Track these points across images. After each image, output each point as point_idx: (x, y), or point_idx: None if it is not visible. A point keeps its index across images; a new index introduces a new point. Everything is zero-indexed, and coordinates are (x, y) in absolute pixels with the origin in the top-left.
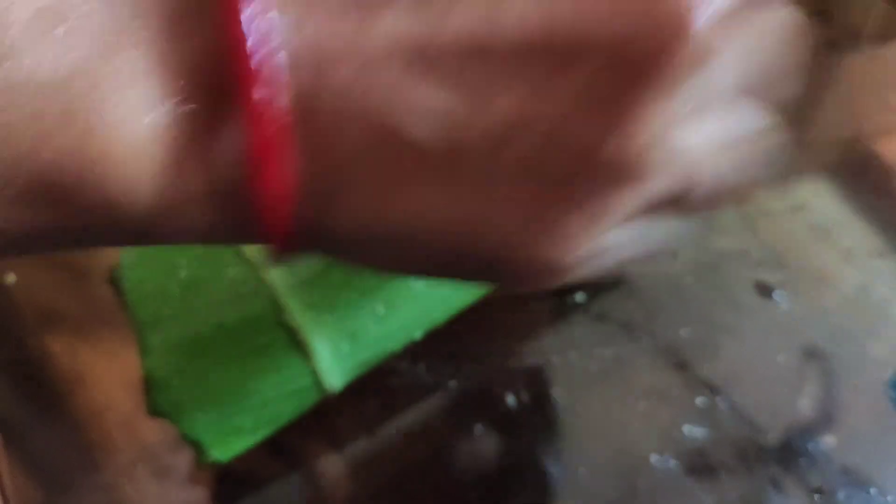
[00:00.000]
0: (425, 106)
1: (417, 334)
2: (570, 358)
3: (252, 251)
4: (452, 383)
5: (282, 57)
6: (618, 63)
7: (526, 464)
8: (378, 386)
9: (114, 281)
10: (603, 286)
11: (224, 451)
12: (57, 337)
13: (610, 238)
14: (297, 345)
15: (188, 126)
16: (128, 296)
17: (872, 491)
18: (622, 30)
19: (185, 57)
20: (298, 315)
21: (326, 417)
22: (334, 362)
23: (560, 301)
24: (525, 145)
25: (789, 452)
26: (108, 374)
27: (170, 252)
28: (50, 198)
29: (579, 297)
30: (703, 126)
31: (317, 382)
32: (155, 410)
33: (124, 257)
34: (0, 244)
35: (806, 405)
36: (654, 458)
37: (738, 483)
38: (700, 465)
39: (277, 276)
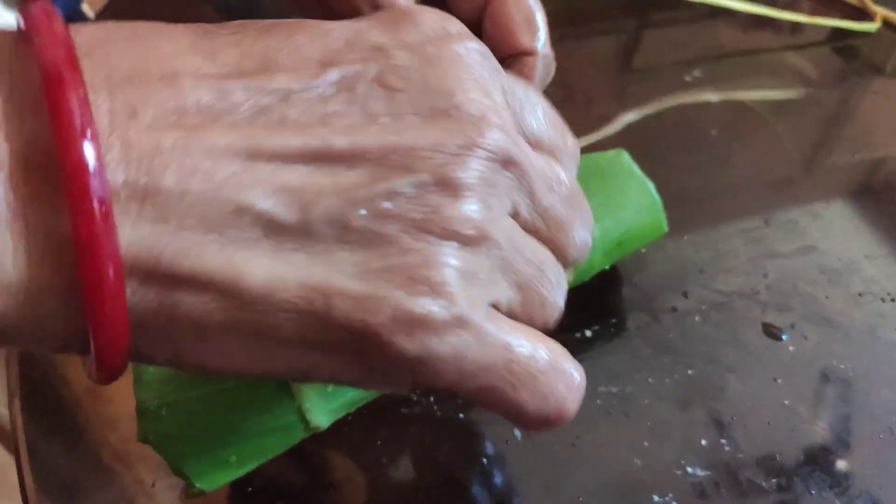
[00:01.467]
0: (263, 191)
1: None
2: None
3: None
4: (461, 416)
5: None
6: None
7: (529, 498)
8: (389, 414)
9: None
10: (611, 322)
11: (209, 482)
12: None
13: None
14: (284, 384)
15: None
16: None
17: None
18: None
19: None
20: None
21: (338, 439)
22: (320, 402)
23: (567, 336)
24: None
25: (792, 497)
26: (123, 388)
27: None
28: None
29: (588, 332)
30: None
31: (303, 420)
32: (145, 439)
33: None
34: None
35: (811, 448)
36: (656, 498)
37: None
38: None
39: None
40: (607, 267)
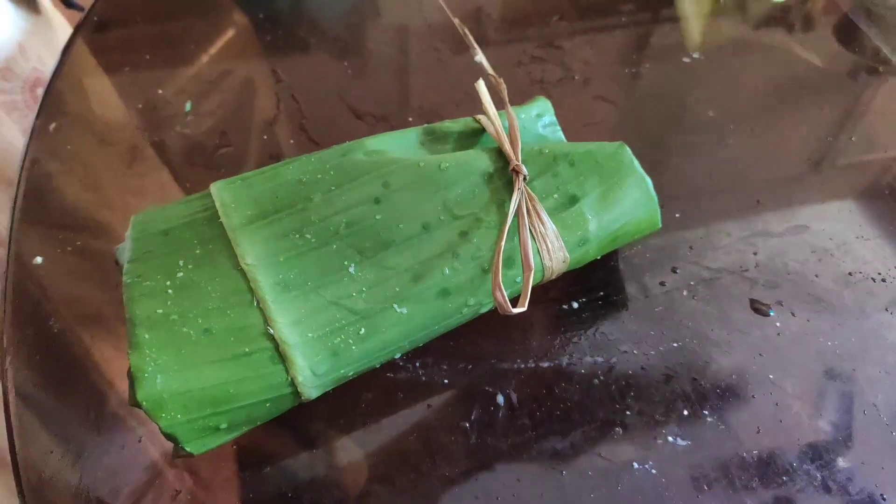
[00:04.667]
0: None
1: (397, 355)
2: (562, 363)
3: (249, 260)
4: (446, 381)
5: None
6: None
7: (510, 463)
8: (375, 379)
9: (117, 261)
10: (599, 296)
11: (198, 446)
12: (77, 319)
13: None
14: (280, 356)
15: None
16: (126, 291)
17: None
18: None
19: None
20: (284, 329)
21: (325, 404)
22: (313, 377)
23: (554, 307)
24: None
25: (774, 469)
26: (117, 359)
27: (173, 250)
28: None
29: (575, 304)
30: None
31: (295, 393)
32: (138, 404)
33: (133, 246)
34: None
35: (794, 422)
36: (635, 465)
37: (718, 497)
38: (681, 476)
39: (269, 290)
40: (598, 257)
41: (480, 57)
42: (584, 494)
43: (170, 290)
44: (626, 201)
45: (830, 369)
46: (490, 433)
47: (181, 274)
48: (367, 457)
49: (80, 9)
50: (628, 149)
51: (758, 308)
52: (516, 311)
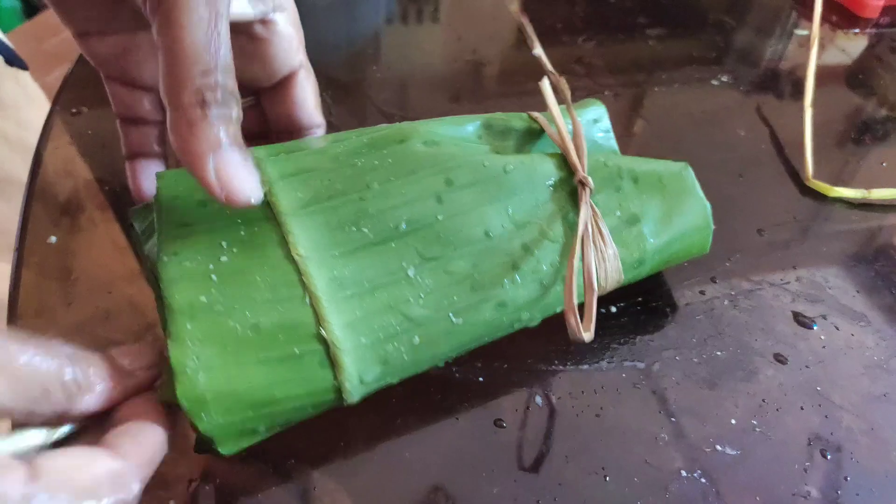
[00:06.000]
0: None
1: (441, 363)
2: (601, 366)
3: (302, 250)
4: (481, 379)
5: None
6: None
7: (551, 467)
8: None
9: (132, 223)
10: (637, 301)
11: (231, 447)
12: (86, 299)
13: None
14: (329, 361)
15: None
16: (162, 269)
17: None
18: None
19: None
20: (337, 331)
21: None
22: (360, 385)
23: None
24: None
25: (828, 483)
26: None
27: (214, 227)
28: None
29: (613, 308)
30: None
31: (338, 398)
32: (176, 400)
33: (164, 214)
34: None
35: (846, 434)
36: (683, 473)
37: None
38: (731, 486)
39: (323, 287)
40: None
41: (539, 51)
42: (629, 502)
43: (213, 277)
44: (685, 225)
45: (878, 382)
46: (529, 435)
47: (225, 258)
48: (399, 455)
49: (23, 67)
50: (691, 171)
51: (801, 321)
52: (586, 337)
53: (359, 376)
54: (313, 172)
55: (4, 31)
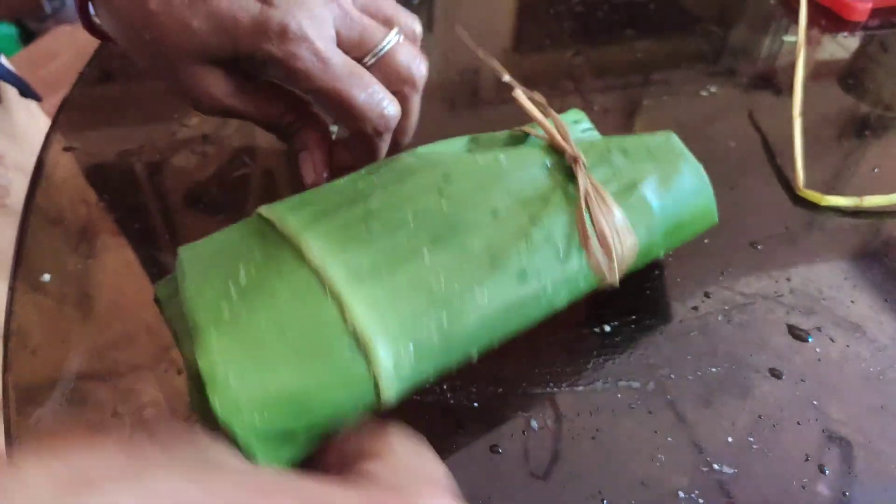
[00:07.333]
0: None
1: (474, 352)
2: (596, 387)
3: (316, 252)
4: (475, 405)
5: None
6: None
7: (548, 492)
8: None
9: (157, 298)
10: (631, 319)
11: (270, 455)
12: (83, 335)
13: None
14: (359, 347)
15: None
16: (186, 305)
17: None
18: None
19: None
20: (362, 314)
21: None
22: (396, 378)
23: (588, 331)
24: None
25: (822, 496)
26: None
27: (232, 260)
28: None
29: (607, 327)
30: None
31: (375, 396)
32: (210, 412)
33: (186, 269)
34: None
35: (844, 450)
36: (681, 494)
37: None
38: None
39: (342, 279)
40: (662, 254)
41: (508, 77)
42: None
43: (234, 296)
44: (684, 186)
45: (875, 394)
46: (524, 458)
47: (244, 278)
48: None
49: (37, 98)
50: (676, 136)
51: (796, 334)
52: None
53: (393, 364)
54: (318, 197)
55: None
